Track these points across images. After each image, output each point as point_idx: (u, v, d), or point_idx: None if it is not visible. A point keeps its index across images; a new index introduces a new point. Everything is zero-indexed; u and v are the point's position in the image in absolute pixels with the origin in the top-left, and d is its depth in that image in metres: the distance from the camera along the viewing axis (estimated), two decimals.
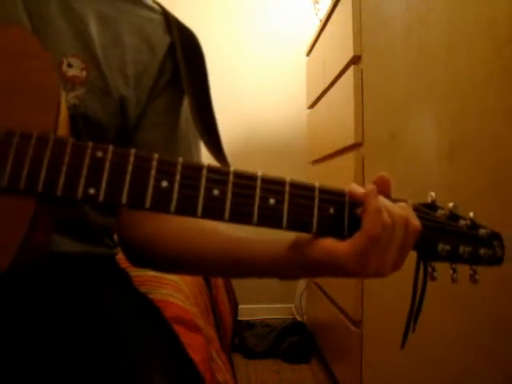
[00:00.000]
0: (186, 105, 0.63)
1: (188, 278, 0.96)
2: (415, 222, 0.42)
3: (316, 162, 1.82)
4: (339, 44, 1.39)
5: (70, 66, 0.52)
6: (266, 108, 2.29)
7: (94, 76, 0.54)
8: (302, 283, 2.15)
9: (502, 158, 0.83)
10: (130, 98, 0.58)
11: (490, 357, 0.93)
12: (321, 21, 1.68)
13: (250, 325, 2.04)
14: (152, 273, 0.80)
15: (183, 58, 0.60)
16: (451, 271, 0.47)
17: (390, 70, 1.21)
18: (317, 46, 1.77)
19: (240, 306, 1.89)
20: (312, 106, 1.86)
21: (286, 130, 2.24)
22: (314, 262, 0.41)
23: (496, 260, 0.48)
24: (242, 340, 1.86)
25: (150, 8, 0.63)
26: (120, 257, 0.67)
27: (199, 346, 0.62)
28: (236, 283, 1.86)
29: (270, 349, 1.80)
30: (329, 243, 0.40)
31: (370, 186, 0.40)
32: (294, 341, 1.81)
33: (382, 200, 0.40)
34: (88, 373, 0.38)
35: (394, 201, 0.43)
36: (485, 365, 0.97)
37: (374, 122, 1.20)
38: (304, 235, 0.43)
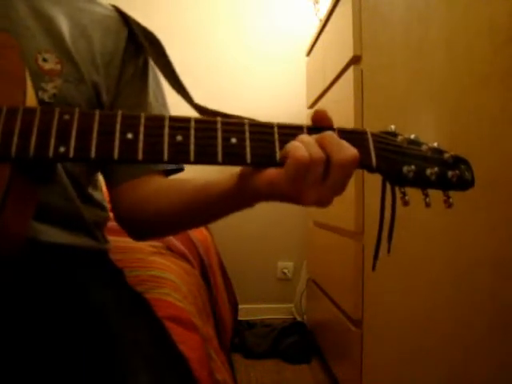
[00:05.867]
0: (151, 85, 0.70)
1: (187, 278, 0.96)
2: (341, 154, 0.40)
3: None
4: (339, 44, 1.39)
5: (45, 60, 0.57)
6: (266, 108, 2.28)
7: (68, 68, 0.59)
8: (302, 283, 2.15)
9: (501, 155, 0.83)
10: (102, 84, 0.64)
11: (490, 352, 0.93)
12: (321, 21, 1.67)
13: (250, 325, 2.04)
14: (150, 272, 0.80)
15: (145, 39, 0.67)
16: (423, 196, 0.46)
17: (389, 70, 1.21)
18: (317, 45, 1.76)
19: (240, 306, 1.88)
20: (312, 105, 1.85)
21: None
22: (259, 192, 0.44)
23: (466, 183, 0.47)
24: (242, 340, 1.86)
25: (105, 7, 0.70)
26: (117, 257, 0.67)
27: (195, 344, 0.61)
28: (236, 283, 1.85)
29: (270, 349, 1.80)
30: (267, 173, 0.42)
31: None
32: (293, 341, 1.81)
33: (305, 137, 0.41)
34: (71, 368, 0.38)
35: (342, 131, 0.44)
36: (485, 364, 0.97)
37: (374, 122, 1.20)
38: (247, 169, 0.45)
